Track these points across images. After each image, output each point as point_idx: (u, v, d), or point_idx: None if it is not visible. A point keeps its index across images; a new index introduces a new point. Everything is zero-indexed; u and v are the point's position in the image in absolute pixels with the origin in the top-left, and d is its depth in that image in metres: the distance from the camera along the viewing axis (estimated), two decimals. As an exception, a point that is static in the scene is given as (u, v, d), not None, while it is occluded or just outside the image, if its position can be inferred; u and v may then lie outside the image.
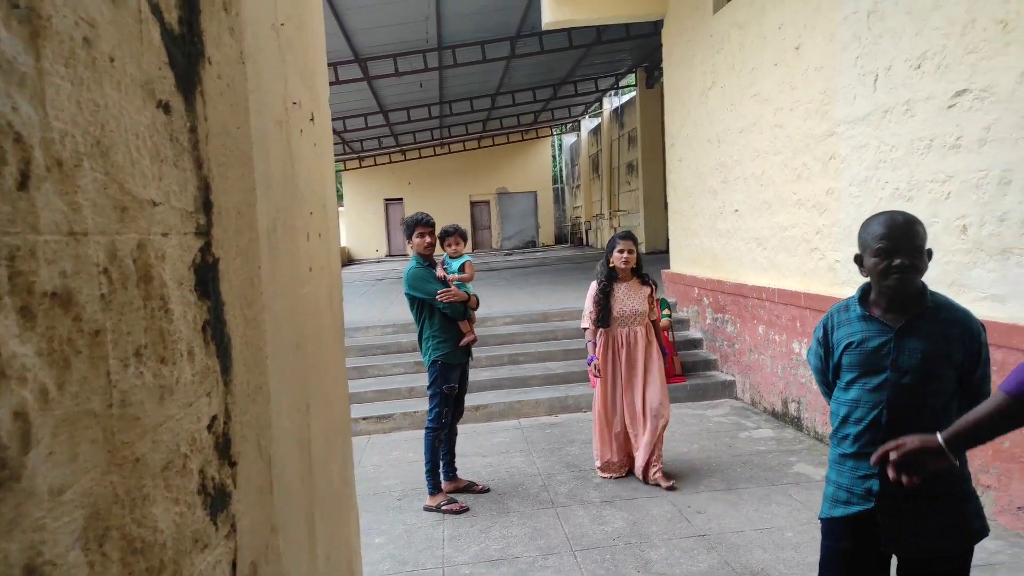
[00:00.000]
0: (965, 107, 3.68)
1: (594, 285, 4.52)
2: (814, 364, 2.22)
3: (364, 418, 6.17)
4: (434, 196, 24.14)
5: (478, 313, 4.64)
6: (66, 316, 0.60)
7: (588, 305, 4.53)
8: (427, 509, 4.26)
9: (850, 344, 2.05)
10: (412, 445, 5.65)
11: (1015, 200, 3.42)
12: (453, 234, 4.59)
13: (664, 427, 4.45)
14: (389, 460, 5.39)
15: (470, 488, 4.51)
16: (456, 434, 4.59)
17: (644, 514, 3.97)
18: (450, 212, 20.73)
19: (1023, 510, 3.38)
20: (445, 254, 4.63)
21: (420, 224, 4.28)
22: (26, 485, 0.53)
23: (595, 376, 4.53)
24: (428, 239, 4.29)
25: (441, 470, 4.42)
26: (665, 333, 6.33)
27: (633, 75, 17.03)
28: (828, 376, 2.17)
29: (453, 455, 4.55)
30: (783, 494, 4.16)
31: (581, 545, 3.65)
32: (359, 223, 25.71)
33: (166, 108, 0.82)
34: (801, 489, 4.22)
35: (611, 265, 4.43)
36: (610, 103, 19.87)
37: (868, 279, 2.07)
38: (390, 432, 6.16)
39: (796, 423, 5.47)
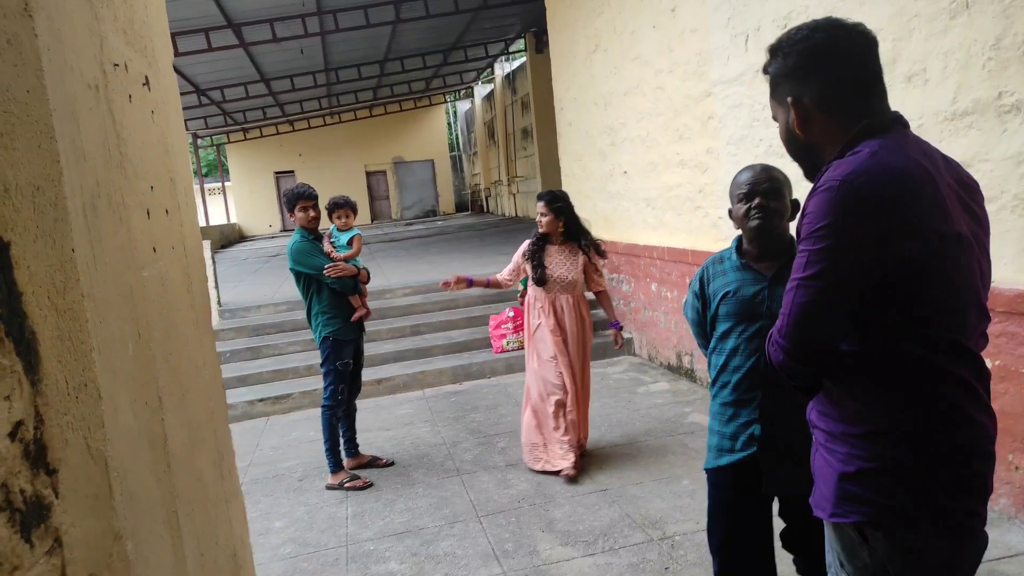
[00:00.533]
0: (828, 64, 3.85)
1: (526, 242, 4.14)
2: (691, 317, 2.28)
3: (260, 400, 5.94)
4: (327, 167, 23.35)
5: (375, 286, 4.49)
6: None
7: (515, 257, 4.14)
8: (329, 488, 4.16)
9: (727, 294, 2.11)
10: (312, 424, 5.49)
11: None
12: (344, 206, 4.39)
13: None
14: (288, 441, 5.22)
15: (373, 463, 4.44)
16: (355, 410, 4.49)
17: (548, 475, 4.03)
18: (345, 183, 20.08)
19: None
20: (333, 227, 4.43)
21: (301, 198, 4.07)
22: None
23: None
24: (312, 212, 4.10)
25: (342, 447, 4.31)
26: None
27: (523, 40, 16.93)
28: (706, 328, 2.23)
29: (354, 431, 4.46)
30: (679, 444, 4.34)
31: (486, 510, 3.67)
32: (248, 198, 24.55)
33: (-89, 66, 0.69)
34: (696, 438, 4.41)
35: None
36: (501, 69, 19.73)
37: (740, 231, 2.13)
38: (289, 412, 5.96)
39: (690, 375, 5.70)
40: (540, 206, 4.05)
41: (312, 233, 4.15)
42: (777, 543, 2.22)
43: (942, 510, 1.25)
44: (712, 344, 2.18)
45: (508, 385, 6.08)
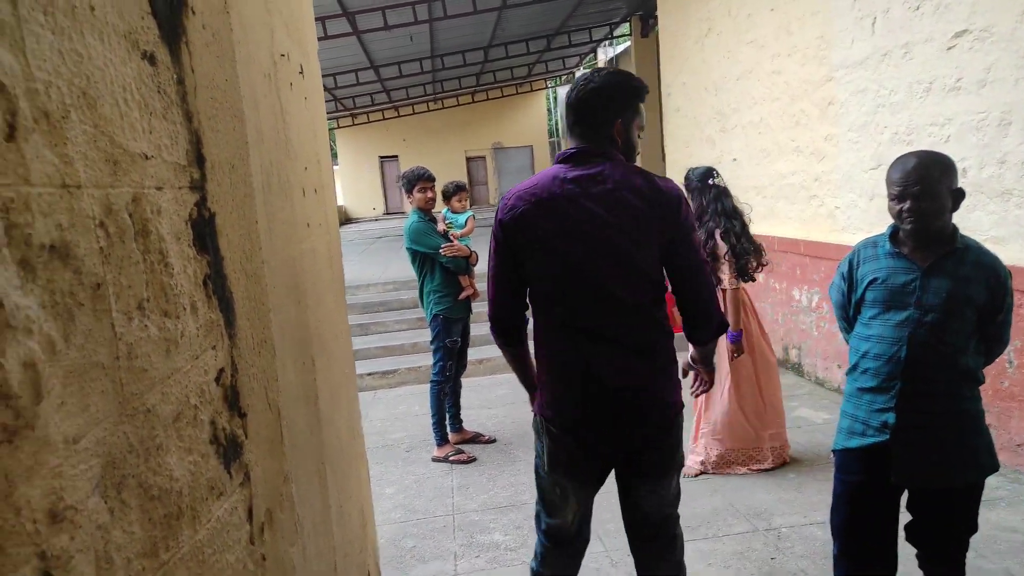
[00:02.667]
0: (965, 48, 3.61)
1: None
2: (836, 299, 2.28)
3: (369, 374, 6.23)
4: (429, 152, 23.88)
5: (477, 269, 4.64)
6: (66, 269, 0.60)
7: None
8: (435, 460, 4.34)
9: (875, 280, 2.08)
10: (418, 399, 5.73)
11: (1015, 142, 3.38)
12: (463, 189, 4.66)
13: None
14: (396, 414, 5.47)
15: (476, 439, 4.59)
16: (460, 387, 4.65)
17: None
18: (446, 168, 20.51)
19: (1022, 447, 3.44)
20: (446, 209, 4.64)
21: (422, 179, 4.26)
22: (40, 434, 0.54)
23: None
24: (430, 193, 4.27)
25: (447, 422, 4.48)
26: None
27: (628, 24, 16.64)
28: (848, 311, 2.22)
29: (458, 407, 4.62)
30: (784, 437, 4.23)
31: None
32: (355, 182, 25.50)
33: (151, 59, 0.81)
34: (802, 433, 4.29)
35: None
36: (604, 54, 19.49)
37: None
38: (396, 387, 6.23)
39: (797, 369, 5.52)
40: None
41: (427, 214, 4.30)
42: (901, 535, 2.17)
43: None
44: (856, 329, 2.16)
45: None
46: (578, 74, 1.84)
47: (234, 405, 0.98)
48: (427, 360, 6.53)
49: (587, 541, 2.11)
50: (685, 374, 2.16)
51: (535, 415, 1.91)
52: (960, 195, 1.95)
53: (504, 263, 1.79)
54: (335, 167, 26.54)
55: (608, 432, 1.79)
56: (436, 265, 4.25)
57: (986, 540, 2.89)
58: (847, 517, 2.15)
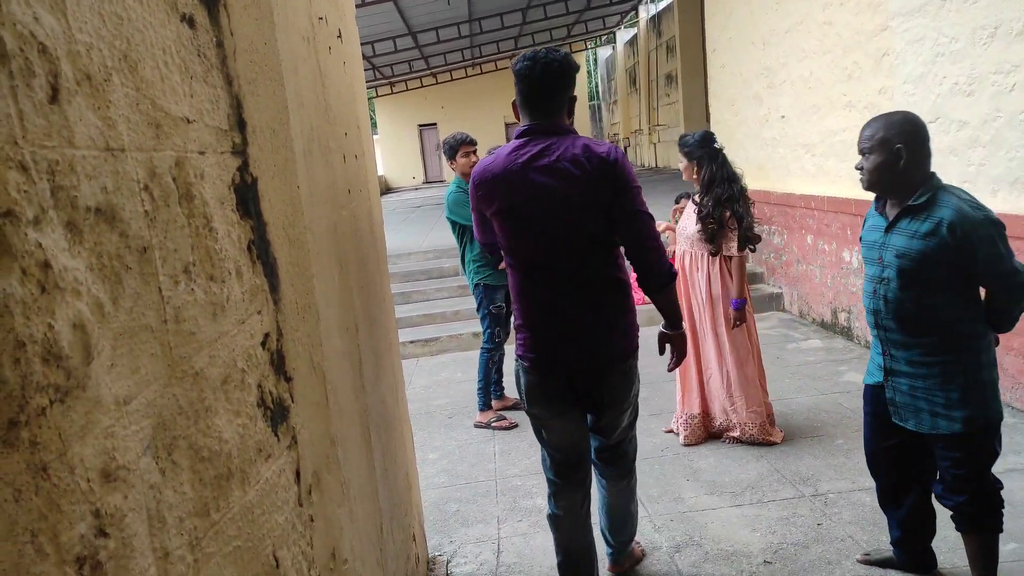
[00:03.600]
0: (1036, -14, 3.39)
1: None
2: None
3: (411, 341, 6.31)
4: (468, 119, 23.71)
5: None
6: (112, 232, 0.60)
7: None
8: (477, 425, 4.38)
9: (862, 236, 2.26)
10: (459, 366, 5.78)
11: (1089, 86, 3.18)
12: None
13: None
14: (438, 381, 5.54)
15: (517, 406, 4.61)
16: (503, 354, 4.66)
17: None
18: (485, 135, 20.36)
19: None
20: None
21: (464, 143, 4.15)
22: (91, 394, 0.55)
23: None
24: (473, 158, 4.14)
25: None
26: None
27: (670, -22, 16.15)
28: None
29: (501, 374, 4.64)
30: (833, 403, 4.15)
31: (629, 456, 3.72)
32: (394, 150, 25.57)
33: (190, 22, 0.80)
34: (852, 397, 4.19)
35: None
36: (646, 11, 18.96)
37: None
38: (437, 355, 6.30)
39: (846, 333, 5.38)
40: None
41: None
42: None
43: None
44: None
45: (647, 337, 6.03)
46: (524, 53, 2.03)
47: (280, 369, 1.00)
48: (468, 328, 6.59)
49: (588, 475, 2.33)
50: (662, 350, 2.33)
51: (516, 360, 2.21)
52: (924, 156, 2.01)
53: (479, 218, 2.19)
54: (374, 136, 26.64)
55: (567, 361, 2.10)
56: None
57: (1046, 508, 2.80)
58: (870, 449, 2.37)
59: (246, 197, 0.92)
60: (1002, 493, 2.17)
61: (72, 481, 0.51)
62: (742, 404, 3.66)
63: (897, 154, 1.99)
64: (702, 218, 3.51)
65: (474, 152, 4.18)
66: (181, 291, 0.72)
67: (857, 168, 2.09)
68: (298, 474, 1.02)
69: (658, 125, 18.32)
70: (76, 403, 0.53)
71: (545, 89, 1.97)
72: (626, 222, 1.97)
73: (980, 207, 1.95)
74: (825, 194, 5.52)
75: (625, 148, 23.48)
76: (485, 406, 4.40)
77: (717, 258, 3.58)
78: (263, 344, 0.94)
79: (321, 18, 1.42)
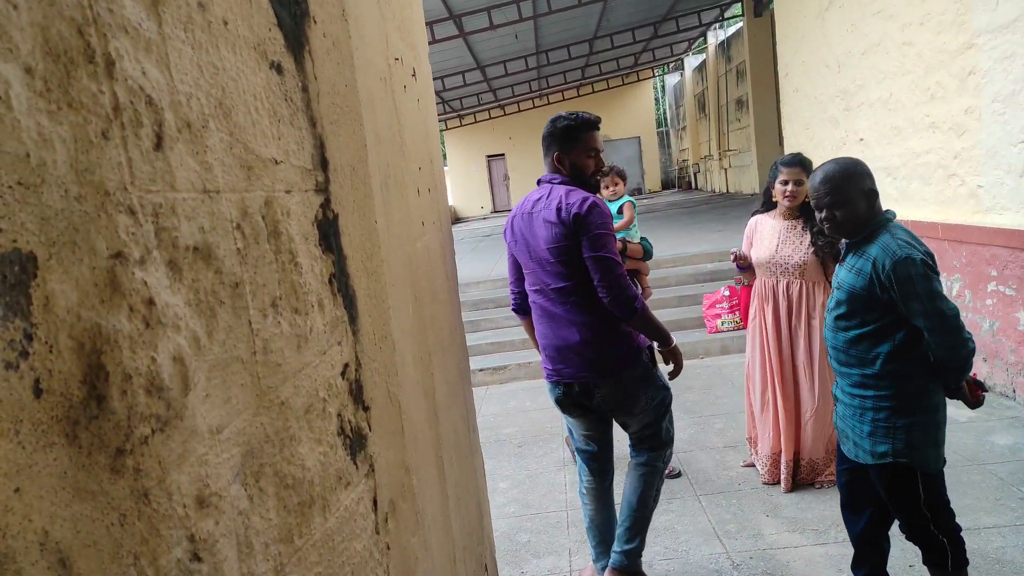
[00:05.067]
0: None
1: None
2: None
3: (481, 369, 6.35)
4: (535, 149, 23.79)
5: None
6: (208, 269, 0.64)
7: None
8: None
9: None
10: (529, 395, 5.77)
11: None
12: (609, 173, 3.97)
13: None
14: (507, 409, 5.54)
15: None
16: None
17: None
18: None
19: None
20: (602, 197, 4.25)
21: (610, 174, 3.91)
22: (188, 424, 0.58)
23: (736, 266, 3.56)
24: (613, 189, 3.87)
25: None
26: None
27: (739, 4, 15.98)
28: None
29: None
30: (923, 437, 3.91)
31: (705, 490, 3.61)
32: (463, 181, 26.06)
33: (278, 68, 0.85)
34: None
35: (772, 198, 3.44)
36: (715, 37, 18.81)
37: None
38: (506, 383, 6.31)
39: (935, 363, 5.09)
40: (792, 172, 3.29)
41: None
42: None
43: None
44: None
45: (723, 367, 5.88)
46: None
47: (358, 398, 1.02)
48: (537, 356, 6.56)
49: (607, 464, 2.78)
50: (667, 361, 2.61)
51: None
52: (873, 195, 2.09)
53: (509, 256, 2.68)
54: (444, 168, 27.20)
55: (566, 375, 2.50)
56: None
57: None
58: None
59: (328, 232, 0.95)
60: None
61: (170, 507, 0.54)
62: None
63: (870, 195, 2.10)
64: (823, 244, 3.24)
65: (613, 183, 3.91)
66: (269, 324, 0.75)
67: (824, 220, 2.13)
68: (375, 502, 1.04)
69: (728, 150, 18.01)
70: (175, 432, 0.56)
71: (544, 147, 2.54)
72: (593, 264, 2.29)
73: (910, 244, 1.97)
74: (909, 218, 5.28)
75: (694, 174, 23.16)
76: None
77: (822, 287, 3.35)
78: (343, 374, 0.97)
79: (397, 59, 1.48)
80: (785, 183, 3.30)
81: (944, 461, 2.14)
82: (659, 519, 3.37)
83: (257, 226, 0.75)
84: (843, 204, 2.05)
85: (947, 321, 1.92)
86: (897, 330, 2.01)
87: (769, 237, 3.42)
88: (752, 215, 3.59)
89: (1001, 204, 4.29)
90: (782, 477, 3.48)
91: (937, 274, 1.96)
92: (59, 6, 0.47)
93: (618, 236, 3.62)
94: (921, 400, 2.05)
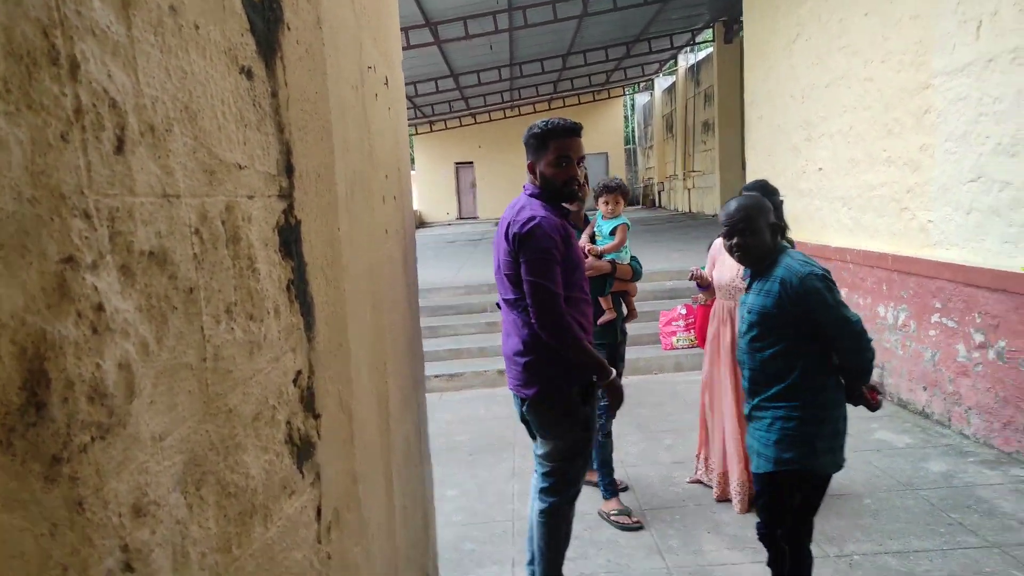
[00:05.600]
0: (1083, 52, 3.36)
1: None
2: None
3: (436, 376, 6.32)
4: (504, 159, 24.08)
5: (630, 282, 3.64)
6: (162, 274, 0.63)
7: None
8: (600, 514, 3.60)
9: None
10: (484, 403, 5.77)
11: None
12: (614, 191, 3.69)
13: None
14: (461, 417, 5.52)
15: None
16: (610, 440, 3.70)
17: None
18: (520, 176, 20.58)
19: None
20: (598, 213, 3.76)
21: (605, 190, 3.69)
22: (131, 431, 0.57)
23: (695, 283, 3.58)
24: (611, 207, 3.67)
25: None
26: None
27: (711, 30, 16.33)
28: None
29: (608, 466, 3.72)
30: (863, 461, 4.03)
31: (651, 505, 3.66)
32: (430, 187, 25.98)
33: (248, 74, 0.85)
34: (883, 456, 4.08)
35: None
36: (685, 60, 19.17)
37: None
38: (462, 390, 6.30)
39: (879, 389, 5.26)
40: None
41: (572, 220, 3.38)
42: None
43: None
44: None
45: (676, 383, 5.97)
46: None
47: (309, 406, 1.01)
48: (494, 364, 6.58)
49: None
50: (605, 396, 2.59)
51: None
52: (776, 228, 2.29)
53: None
54: (412, 172, 27.10)
55: (511, 386, 2.50)
56: None
57: None
58: None
59: (289, 239, 0.95)
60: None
61: (105, 516, 0.53)
62: None
63: (775, 228, 2.31)
64: None
65: (614, 201, 3.64)
66: (222, 330, 0.74)
67: (734, 246, 2.30)
68: (319, 511, 1.03)
69: (693, 171, 18.35)
70: (116, 440, 0.55)
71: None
72: (525, 286, 2.27)
73: (809, 263, 2.19)
74: (861, 248, 5.46)
75: (659, 193, 23.50)
76: (606, 492, 3.61)
77: None
78: (295, 381, 0.97)
79: (370, 67, 1.48)
80: None
81: (840, 466, 2.33)
82: (603, 533, 3.40)
83: (216, 231, 0.74)
84: (753, 233, 2.24)
85: (852, 326, 2.12)
86: (808, 345, 2.19)
87: (731, 261, 3.33)
88: (720, 236, 3.55)
89: (949, 239, 4.47)
90: (736, 500, 3.52)
91: (836, 287, 2.18)
92: (25, 7, 0.47)
93: (608, 257, 3.52)
94: (827, 412, 2.24)
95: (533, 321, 2.29)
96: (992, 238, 4.09)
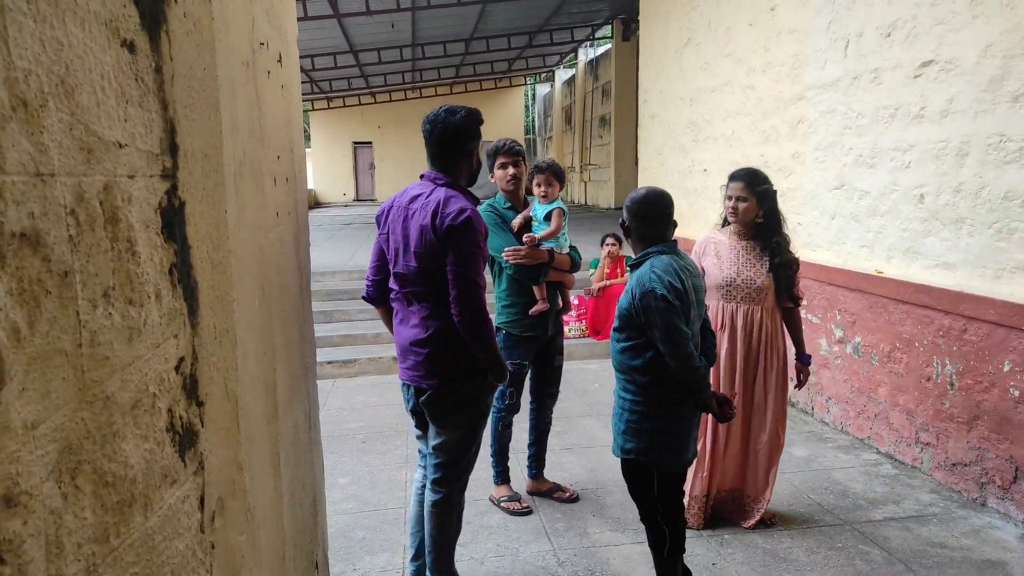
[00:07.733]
0: (930, 78, 3.74)
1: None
2: None
3: (329, 362, 6.19)
4: (405, 142, 23.72)
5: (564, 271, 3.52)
6: (35, 257, 0.61)
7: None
8: (491, 500, 3.66)
9: None
10: (377, 390, 5.72)
11: (971, 172, 3.52)
12: (544, 171, 3.50)
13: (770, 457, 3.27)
14: (353, 404, 5.45)
15: (552, 492, 3.73)
16: (548, 424, 3.78)
17: (599, 462, 4.10)
18: (421, 160, 20.34)
19: (956, 467, 3.59)
20: (535, 198, 3.57)
21: (502, 151, 3.41)
22: (1, 419, 0.55)
23: None
24: (511, 170, 3.38)
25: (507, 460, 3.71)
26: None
27: (610, 27, 16.77)
28: None
29: (542, 449, 3.80)
30: (734, 446, 4.33)
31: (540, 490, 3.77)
32: (326, 166, 25.20)
33: (131, 47, 0.81)
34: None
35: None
36: (585, 55, 19.58)
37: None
38: (355, 377, 6.20)
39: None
40: (737, 187, 3.14)
41: (511, 199, 3.47)
42: None
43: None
44: None
45: (567, 371, 6.14)
46: (437, 108, 2.49)
47: (192, 394, 0.99)
48: (388, 351, 6.51)
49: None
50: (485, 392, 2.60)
51: None
52: (648, 227, 2.42)
53: (376, 244, 2.58)
54: (307, 150, 26.16)
55: (405, 378, 2.54)
56: (502, 268, 3.38)
57: (915, 554, 3.02)
58: None
59: (172, 221, 0.92)
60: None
61: (-28, 507, 0.51)
62: (773, 478, 3.27)
63: (627, 232, 2.49)
64: (782, 264, 3.10)
65: (515, 164, 3.40)
66: (99, 315, 0.72)
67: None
68: (202, 500, 1.01)
69: (589, 164, 18.82)
70: (-17, 428, 0.53)
71: (449, 143, 2.45)
72: (451, 277, 2.29)
73: (656, 279, 2.28)
74: (740, 246, 5.82)
75: (557, 183, 23.90)
76: (498, 478, 3.65)
77: (777, 312, 3.22)
78: (177, 368, 0.94)
79: (263, 43, 1.44)
80: (729, 198, 3.16)
81: (684, 465, 2.48)
82: (493, 518, 3.48)
83: (93, 212, 0.71)
84: (635, 224, 2.44)
85: (678, 350, 2.26)
86: (648, 348, 2.34)
87: (729, 258, 3.18)
88: (713, 231, 3.41)
89: (815, 241, 4.85)
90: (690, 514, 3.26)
91: (677, 306, 2.25)
92: None
93: (545, 245, 3.37)
94: (666, 410, 2.39)
95: (456, 314, 2.30)
96: (852, 242, 4.48)
